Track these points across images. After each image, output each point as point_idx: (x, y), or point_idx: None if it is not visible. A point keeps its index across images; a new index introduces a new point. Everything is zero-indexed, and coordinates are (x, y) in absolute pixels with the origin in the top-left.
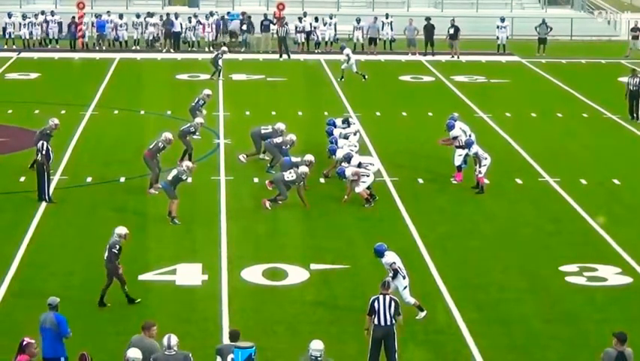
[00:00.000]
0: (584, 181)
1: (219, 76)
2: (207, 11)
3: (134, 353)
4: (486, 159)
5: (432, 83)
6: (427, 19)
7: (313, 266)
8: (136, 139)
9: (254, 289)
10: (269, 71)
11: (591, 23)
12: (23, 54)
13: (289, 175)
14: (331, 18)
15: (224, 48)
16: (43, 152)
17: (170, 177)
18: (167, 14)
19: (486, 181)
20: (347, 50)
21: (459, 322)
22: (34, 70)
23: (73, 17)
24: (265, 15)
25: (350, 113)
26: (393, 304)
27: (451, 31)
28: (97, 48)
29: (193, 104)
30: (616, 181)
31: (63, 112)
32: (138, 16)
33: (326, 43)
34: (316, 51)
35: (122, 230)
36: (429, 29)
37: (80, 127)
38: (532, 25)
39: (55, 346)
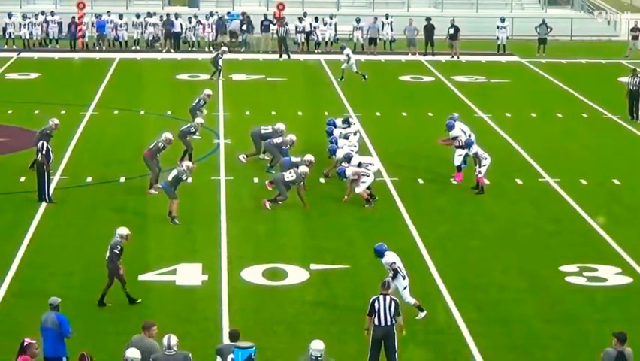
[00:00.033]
0: (584, 181)
1: (219, 76)
2: (207, 11)
3: (132, 353)
4: (486, 159)
5: (432, 83)
6: (428, 19)
7: (313, 266)
8: (136, 139)
9: (254, 289)
10: (269, 71)
11: (591, 23)
12: (23, 54)
13: (289, 175)
14: (331, 18)
15: (224, 48)
16: (43, 152)
17: (170, 178)
18: (167, 14)
19: (486, 181)
20: (347, 50)
21: (459, 322)
22: (34, 70)
23: (74, 17)
24: (265, 15)
25: (350, 113)
26: (393, 304)
27: (451, 31)
28: (97, 48)
29: (194, 104)
30: (616, 181)
31: (63, 112)
32: (138, 16)
33: (326, 43)
34: (316, 51)
35: (123, 231)
36: (429, 29)
37: (80, 127)
38: (532, 25)
39: (57, 346)
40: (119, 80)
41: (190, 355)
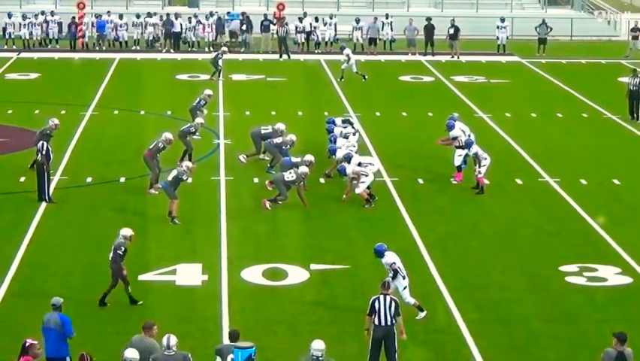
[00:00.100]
0: (584, 181)
1: (219, 76)
2: (207, 11)
3: (131, 353)
4: (485, 159)
5: (432, 83)
6: (428, 19)
7: (313, 266)
8: (136, 139)
9: (254, 289)
10: (269, 71)
11: (591, 23)
12: (23, 54)
13: (289, 175)
14: (331, 18)
15: (225, 48)
16: (43, 152)
17: (170, 178)
18: (167, 14)
19: (486, 181)
20: (347, 50)
21: (459, 322)
22: (34, 70)
23: (74, 17)
24: (265, 15)
25: (350, 113)
26: (393, 304)
27: (451, 31)
28: (97, 48)
29: (194, 104)
30: (616, 181)
31: (63, 112)
32: (138, 16)
33: (326, 43)
34: (316, 51)
35: (127, 232)
36: (429, 29)
37: (80, 127)
38: (532, 25)
39: (60, 346)
40: (119, 80)
41: (190, 355)
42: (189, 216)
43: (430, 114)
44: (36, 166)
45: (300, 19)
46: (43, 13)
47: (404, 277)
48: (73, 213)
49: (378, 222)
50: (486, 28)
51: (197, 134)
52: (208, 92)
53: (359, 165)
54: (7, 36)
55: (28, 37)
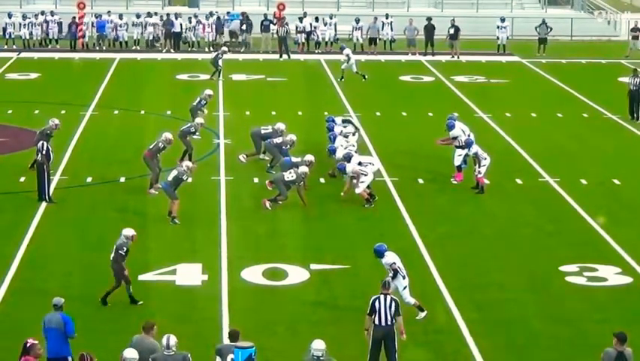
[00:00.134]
0: (584, 181)
1: (219, 76)
2: (207, 11)
3: (130, 353)
4: (485, 159)
5: (432, 83)
6: (428, 19)
7: (313, 266)
8: (136, 139)
9: (254, 289)
10: (269, 71)
11: (591, 23)
12: (23, 54)
13: (289, 175)
14: (331, 18)
15: (225, 48)
16: (43, 152)
17: (170, 178)
18: (167, 14)
19: (486, 181)
20: (347, 50)
21: (459, 322)
22: (34, 70)
23: (74, 17)
24: (265, 15)
25: (350, 113)
26: (393, 304)
27: (451, 31)
28: (97, 48)
29: (194, 104)
30: (616, 181)
31: (63, 112)
32: (138, 16)
33: (326, 43)
34: (316, 51)
35: (129, 232)
36: (429, 29)
37: (80, 127)
38: (532, 25)
39: (62, 346)
40: (119, 80)
41: (189, 355)
42: (189, 216)
43: (430, 114)
44: (36, 166)
45: (300, 19)
46: (43, 13)
47: (404, 277)
48: (73, 213)
49: (378, 222)
50: (486, 28)
51: (197, 134)
52: (208, 92)
53: (359, 164)
54: (7, 36)
55: (28, 37)
